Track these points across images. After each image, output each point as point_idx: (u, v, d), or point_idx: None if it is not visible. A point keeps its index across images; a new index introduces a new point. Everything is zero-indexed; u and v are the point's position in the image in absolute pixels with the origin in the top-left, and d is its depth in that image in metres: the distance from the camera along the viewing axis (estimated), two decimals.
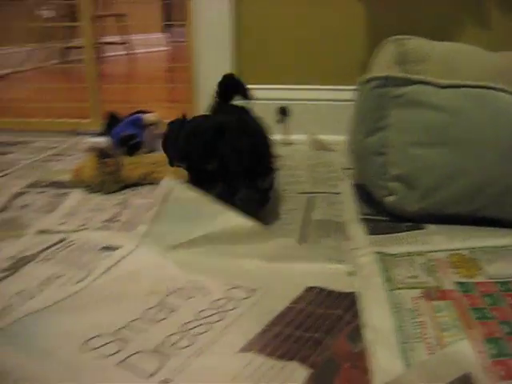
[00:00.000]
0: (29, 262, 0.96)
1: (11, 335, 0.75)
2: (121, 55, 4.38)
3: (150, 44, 4.76)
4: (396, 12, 1.68)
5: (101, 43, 4.04)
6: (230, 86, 1.26)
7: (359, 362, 0.68)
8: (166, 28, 5.35)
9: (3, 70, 2.84)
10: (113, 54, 4.17)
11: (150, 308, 0.80)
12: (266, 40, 1.79)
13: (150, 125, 1.58)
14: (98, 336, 0.74)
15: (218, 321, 0.78)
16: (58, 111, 1.97)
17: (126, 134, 1.49)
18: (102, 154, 1.31)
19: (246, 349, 0.71)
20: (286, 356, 0.70)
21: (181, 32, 5.35)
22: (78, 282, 0.89)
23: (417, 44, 1.40)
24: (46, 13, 3.75)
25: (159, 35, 5.16)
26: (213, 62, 1.79)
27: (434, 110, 1.04)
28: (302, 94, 1.77)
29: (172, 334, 0.75)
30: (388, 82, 1.06)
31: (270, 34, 1.78)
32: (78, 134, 1.88)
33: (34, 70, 3.31)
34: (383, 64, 1.28)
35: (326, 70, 1.76)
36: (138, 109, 1.67)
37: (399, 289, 0.83)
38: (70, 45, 3.83)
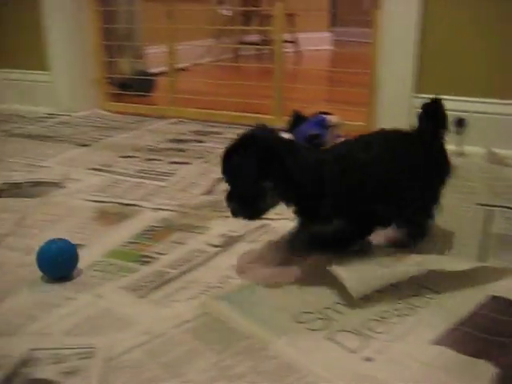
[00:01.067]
0: (237, 241, 1.11)
1: (236, 301, 0.90)
2: (289, 53, 4.55)
3: (316, 43, 4.89)
4: None
5: (270, 40, 4.23)
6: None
7: None
8: (332, 27, 5.46)
9: (186, 62, 3.10)
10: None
11: None
12: (447, 50, 1.82)
13: (333, 126, 1.69)
14: (307, 312, 0.87)
15: (407, 315, 0.87)
16: (236, 105, 2.14)
17: (312, 133, 1.62)
18: None
19: (437, 342, 0.80)
20: (474, 354, 0.77)
21: (345, 32, 5.45)
22: None
23: None
24: (224, 12, 4.03)
25: (325, 34, 5.28)
26: (394, 68, 1.86)
27: None
28: (481, 106, 1.79)
29: (370, 320, 0.85)
30: None
31: (451, 45, 1.81)
32: None
33: (209, 64, 3.55)
34: None
35: (508, 84, 1.76)
36: (315, 109, 1.78)
37: None
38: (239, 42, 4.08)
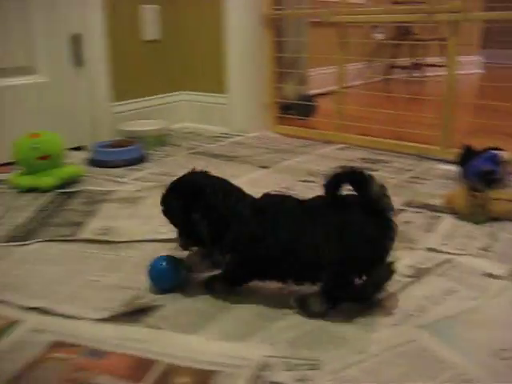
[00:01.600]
0: (426, 273, 1.18)
1: (437, 331, 0.98)
2: (435, 76, 4.51)
3: (465, 66, 4.80)
4: None
5: (421, 64, 4.25)
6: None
7: None
8: (482, 50, 5.34)
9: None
10: (431, 74, 4.33)
11: None
12: None
13: (505, 162, 1.71)
14: (506, 349, 0.93)
15: None
16: (393, 133, 2.20)
17: (487, 169, 1.65)
18: (471, 186, 1.49)
19: None
20: None
21: (497, 54, 5.31)
22: (472, 300, 1.08)
23: None
24: (378, 35, 4.10)
25: (475, 57, 5.17)
26: None
27: None
28: None
29: None
30: None
31: None
32: (422, 158, 2.08)
33: (359, 87, 3.60)
34: None
35: None
36: (481, 143, 1.80)
37: None
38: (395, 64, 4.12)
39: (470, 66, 5.06)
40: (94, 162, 2.04)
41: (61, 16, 2.12)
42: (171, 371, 0.87)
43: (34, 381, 0.86)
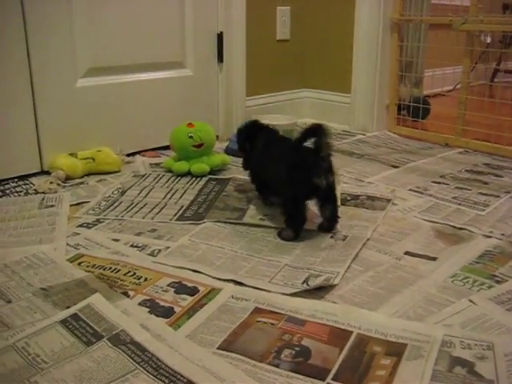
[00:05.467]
0: None
1: None
2: None
3: None
4: None
5: None
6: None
7: None
8: None
9: (442, 87, 3.24)
10: None
11: None
12: None
13: None
14: None
15: None
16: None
17: None
18: None
19: None
20: None
21: None
22: None
23: None
24: (487, 38, 4.12)
25: None
26: None
27: None
28: None
29: None
30: None
31: None
32: None
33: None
34: None
35: None
36: None
37: None
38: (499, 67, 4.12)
39: None
40: (232, 152, 2.23)
41: (208, 16, 2.33)
42: (364, 341, 1.03)
43: (249, 338, 1.04)
